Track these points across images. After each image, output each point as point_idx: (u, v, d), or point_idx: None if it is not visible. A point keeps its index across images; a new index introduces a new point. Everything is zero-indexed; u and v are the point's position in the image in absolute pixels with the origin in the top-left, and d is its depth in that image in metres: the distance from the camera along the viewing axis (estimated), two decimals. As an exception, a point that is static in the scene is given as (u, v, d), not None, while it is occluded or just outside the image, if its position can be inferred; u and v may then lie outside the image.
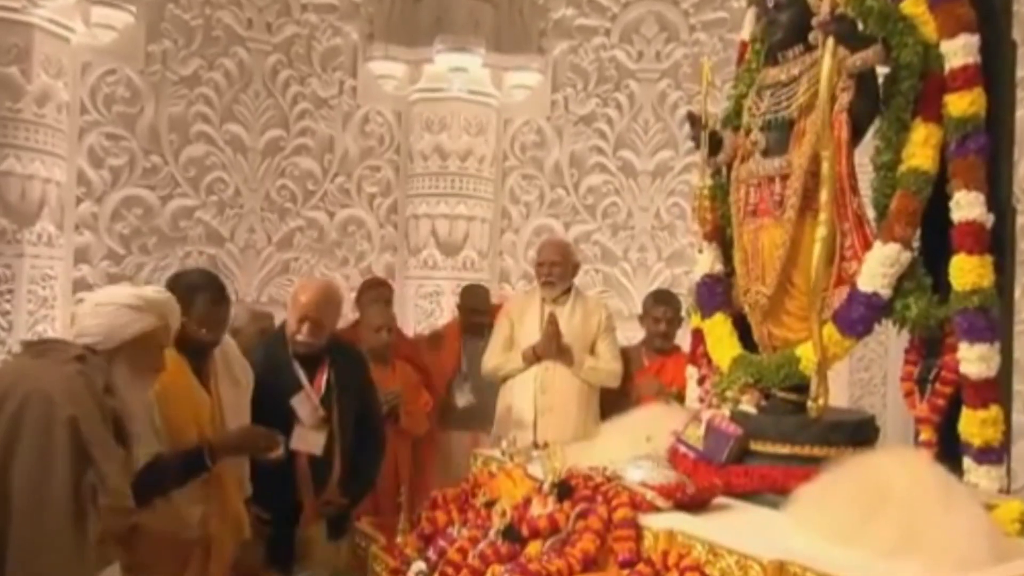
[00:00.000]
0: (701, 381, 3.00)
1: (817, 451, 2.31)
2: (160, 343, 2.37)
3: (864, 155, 2.50)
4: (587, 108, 6.04)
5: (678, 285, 5.34)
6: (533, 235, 6.01)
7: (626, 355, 4.14)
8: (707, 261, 2.90)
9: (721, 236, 2.87)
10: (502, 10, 5.96)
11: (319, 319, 3.15)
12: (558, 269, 4.05)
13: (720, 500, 2.23)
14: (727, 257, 2.82)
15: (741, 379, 2.55)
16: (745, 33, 3.02)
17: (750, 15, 2.97)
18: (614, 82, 6.02)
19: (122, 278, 4.95)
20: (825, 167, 2.25)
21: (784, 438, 2.36)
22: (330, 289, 3.33)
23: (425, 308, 5.83)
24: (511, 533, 2.18)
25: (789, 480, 2.19)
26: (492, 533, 2.23)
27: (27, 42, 4.43)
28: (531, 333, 4.02)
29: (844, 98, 2.34)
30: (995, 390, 2.32)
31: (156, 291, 2.47)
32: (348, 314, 5.64)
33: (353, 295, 4.66)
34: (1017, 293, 2.71)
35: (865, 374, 5.17)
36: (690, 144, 3.26)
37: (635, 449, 2.39)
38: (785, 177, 2.46)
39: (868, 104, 2.39)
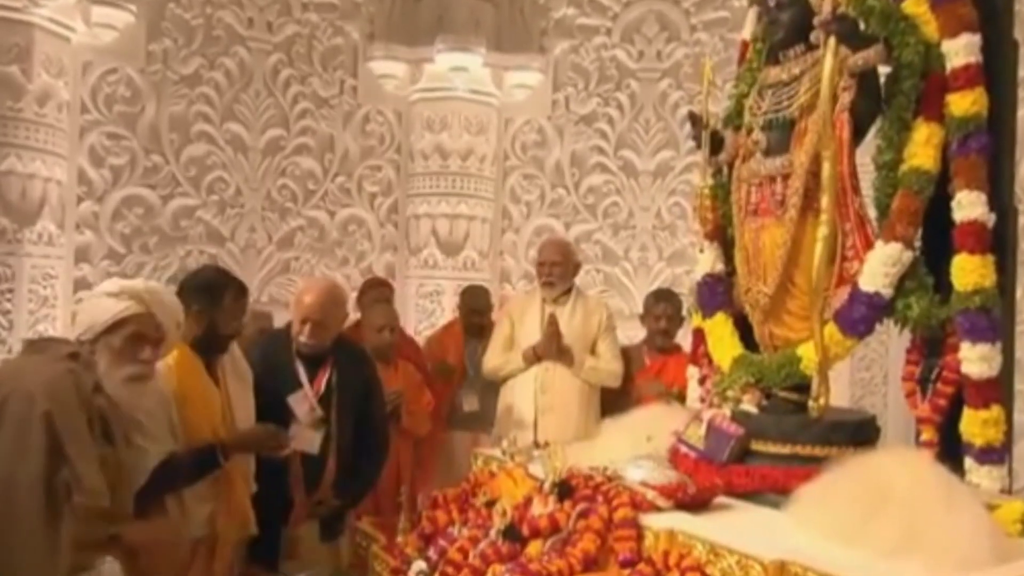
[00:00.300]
0: (702, 381, 3.00)
1: (818, 451, 2.31)
2: (141, 332, 2.28)
3: (866, 155, 2.49)
4: (588, 108, 6.04)
5: (679, 285, 5.34)
6: (534, 235, 6.01)
7: (627, 355, 4.14)
8: (708, 261, 2.90)
9: (722, 236, 2.87)
10: (503, 9, 5.96)
11: (321, 321, 3.15)
12: (559, 269, 4.05)
13: (721, 500, 2.23)
14: (728, 257, 2.82)
15: (742, 379, 2.54)
16: (746, 32, 3.01)
17: (751, 14, 2.97)
18: (615, 82, 6.02)
19: (123, 278, 4.94)
20: (826, 167, 2.25)
21: (785, 438, 2.36)
22: (334, 291, 3.33)
23: (426, 308, 5.83)
24: (512, 533, 2.18)
25: (790, 480, 2.19)
26: (493, 533, 2.22)
27: (28, 41, 4.43)
28: (531, 333, 4.02)
29: (846, 97, 2.34)
30: (997, 390, 2.31)
31: (142, 282, 2.45)
32: (349, 314, 5.70)
33: (354, 295, 4.66)
34: (1019, 293, 2.70)
35: (866, 374, 5.16)
36: (691, 144, 3.26)
37: (636, 449, 2.39)
38: (786, 177, 2.46)
39: (870, 104, 2.39)
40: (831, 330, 2.36)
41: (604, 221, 6.03)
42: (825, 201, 2.26)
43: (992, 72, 2.38)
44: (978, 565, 1.71)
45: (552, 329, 3.91)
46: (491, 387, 4.25)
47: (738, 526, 2.03)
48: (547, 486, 2.26)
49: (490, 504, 2.37)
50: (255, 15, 5.54)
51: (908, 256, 2.32)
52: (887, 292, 2.32)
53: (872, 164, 2.48)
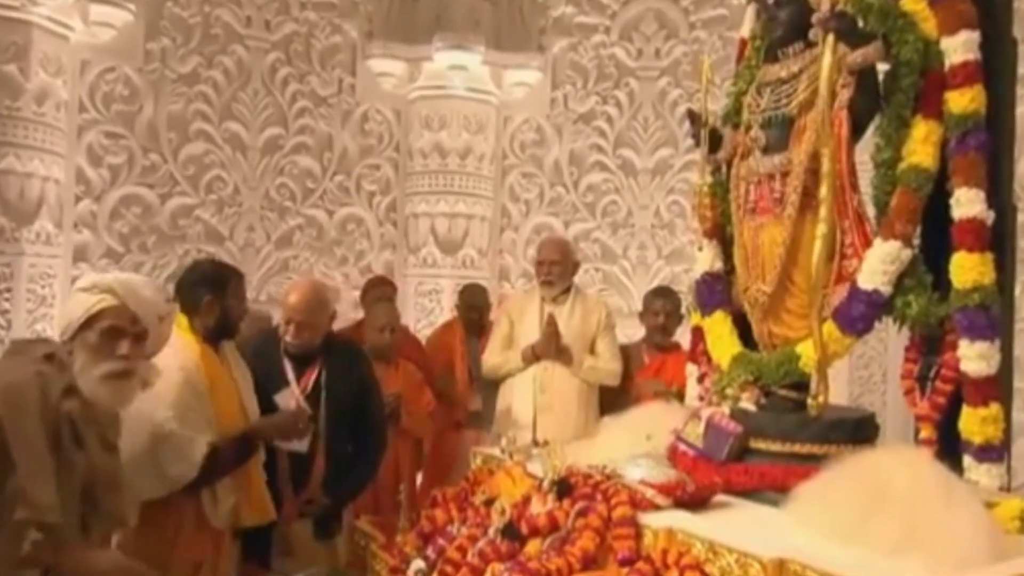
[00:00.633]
0: (701, 379, 2.99)
1: (817, 449, 2.30)
2: (116, 325, 2.18)
3: (864, 152, 2.49)
4: (587, 106, 6.04)
5: (678, 283, 5.34)
6: (533, 233, 6.01)
7: (626, 353, 4.14)
8: (707, 259, 2.90)
9: (721, 234, 2.86)
10: (501, 8, 5.96)
11: (304, 321, 3.16)
12: (557, 268, 4.04)
13: (720, 498, 2.23)
14: (727, 255, 2.82)
15: (741, 377, 2.54)
16: (745, 30, 3.01)
17: (750, 12, 2.96)
18: (614, 80, 6.02)
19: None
20: (825, 164, 2.25)
21: (784, 436, 2.36)
22: (317, 291, 3.30)
23: (425, 306, 5.83)
24: (510, 531, 2.18)
25: (789, 478, 2.19)
26: (491, 531, 2.22)
27: (26, 40, 4.43)
28: (530, 332, 4.02)
29: (844, 95, 2.33)
30: (995, 388, 2.31)
31: (116, 275, 2.38)
32: (348, 313, 5.70)
33: (354, 293, 4.66)
34: (1017, 291, 2.70)
35: (865, 372, 5.17)
36: (690, 142, 3.25)
37: (635, 447, 2.39)
38: (785, 174, 2.45)
39: (868, 101, 2.38)
40: (830, 328, 2.35)
41: (603, 219, 6.03)
42: (824, 199, 2.26)
43: (991, 69, 2.37)
44: (977, 563, 1.71)
45: (551, 329, 3.91)
46: (492, 386, 4.25)
47: (737, 524, 2.03)
48: (546, 484, 2.25)
49: (489, 503, 2.37)
50: (253, 13, 5.53)
51: (907, 254, 2.32)
52: (886, 290, 2.32)
53: (871, 162, 2.48)
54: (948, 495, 1.84)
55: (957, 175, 2.35)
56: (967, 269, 2.31)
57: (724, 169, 2.82)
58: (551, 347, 3.91)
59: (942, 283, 2.36)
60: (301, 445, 3.10)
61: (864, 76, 2.34)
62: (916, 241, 2.38)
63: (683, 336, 3.83)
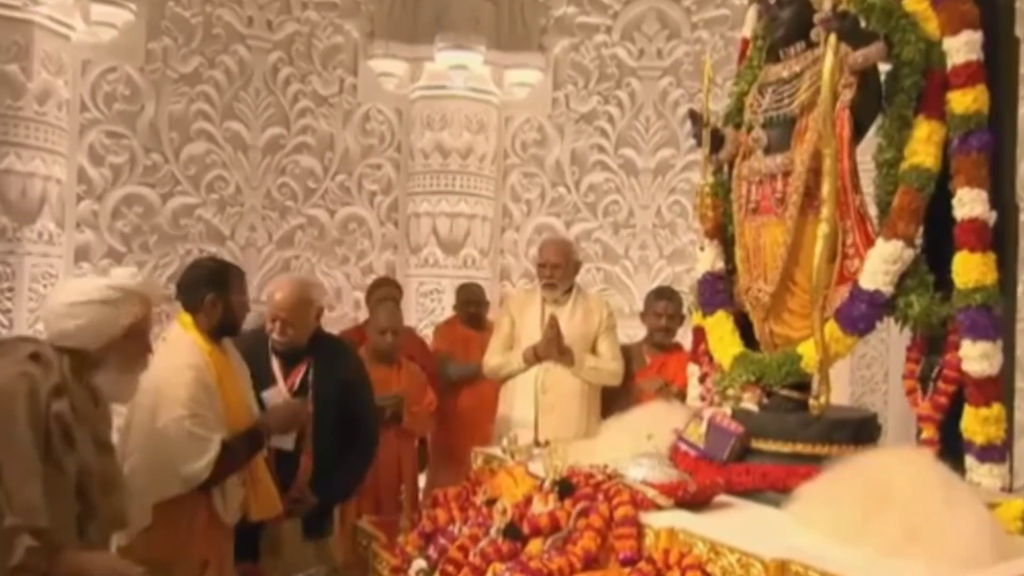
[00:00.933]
0: (703, 379, 2.99)
1: (819, 449, 2.30)
2: (144, 328, 2.28)
3: (866, 152, 2.49)
4: (588, 106, 6.04)
5: (679, 283, 5.34)
6: (534, 233, 6.01)
7: (627, 353, 4.14)
8: (708, 259, 2.89)
9: (722, 234, 2.86)
10: (503, 7, 5.96)
11: (288, 318, 3.16)
12: (559, 271, 4.03)
13: (721, 498, 2.23)
14: (729, 255, 2.82)
15: (743, 377, 2.54)
16: (747, 30, 3.01)
17: (752, 12, 2.96)
18: (615, 80, 6.02)
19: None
20: (827, 164, 2.25)
21: (786, 436, 2.35)
22: (301, 289, 3.28)
23: (426, 306, 5.83)
24: (512, 531, 2.18)
25: (791, 478, 2.18)
26: (493, 531, 2.22)
27: (27, 40, 4.43)
28: (532, 332, 4.02)
29: (846, 95, 2.33)
30: (997, 388, 2.31)
31: (129, 275, 2.42)
32: (350, 313, 5.71)
33: (356, 293, 4.67)
34: (1020, 290, 2.70)
35: (867, 372, 5.16)
36: (691, 142, 3.25)
37: (636, 447, 2.39)
38: (787, 174, 2.45)
39: (870, 101, 2.38)
40: (832, 328, 2.35)
41: (604, 219, 6.03)
42: (826, 199, 2.26)
43: (993, 69, 2.37)
44: (979, 564, 1.71)
45: (553, 332, 3.91)
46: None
47: (739, 524, 2.03)
48: (547, 484, 2.25)
49: (491, 502, 2.37)
50: (255, 13, 5.53)
51: (909, 254, 2.32)
52: (888, 290, 2.32)
53: (873, 162, 2.48)
54: (950, 496, 1.84)
55: (959, 175, 2.35)
56: (969, 269, 2.31)
57: (726, 169, 2.82)
58: (553, 349, 3.91)
59: (944, 283, 2.36)
60: (286, 441, 3.09)
61: (866, 76, 2.34)
62: (918, 241, 2.37)
63: (684, 336, 3.83)
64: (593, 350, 4.03)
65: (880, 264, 2.31)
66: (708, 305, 2.88)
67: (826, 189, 2.25)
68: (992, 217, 2.34)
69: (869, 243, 2.36)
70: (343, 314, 5.73)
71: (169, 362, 2.59)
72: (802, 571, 1.70)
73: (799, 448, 2.33)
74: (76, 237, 4.96)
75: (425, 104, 5.88)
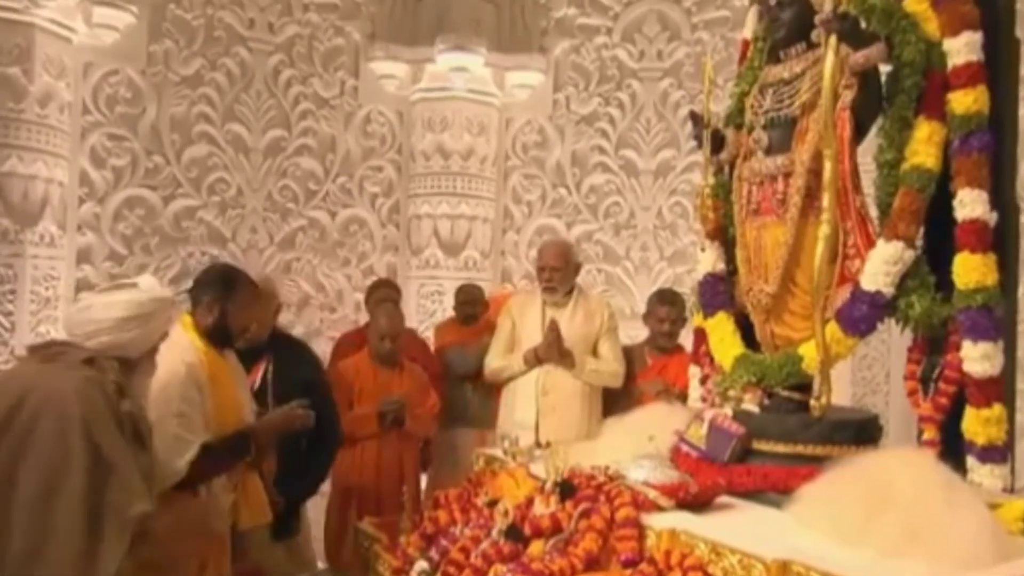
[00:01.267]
0: (704, 380, 3.00)
1: (820, 450, 2.30)
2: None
3: (867, 153, 2.49)
4: (589, 107, 6.04)
5: (680, 284, 5.33)
6: (535, 235, 6.01)
7: (629, 355, 4.14)
8: (709, 260, 2.90)
9: (723, 235, 2.87)
10: (503, 9, 5.96)
11: None
12: (559, 274, 4.03)
13: (723, 499, 2.23)
14: (730, 256, 2.82)
15: (744, 378, 2.54)
16: (747, 31, 3.01)
17: (752, 13, 2.97)
18: (616, 81, 6.01)
19: (124, 279, 4.95)
20: (828, 165, 2.25)
21: (787, 437, 2.36)
22: (260, 285, 3.22)
23: (427, 308, 5.83)
24: (514, 532, 2.18)
25: (792, 479, 2.19)
26: (495, 532, 2.22)
27: (29, 42, 4.43)
28: (532, 334, 4.02)
29: (847, 96, 2.34)
30: (999, 389, 2.31)
31: (158, 283, 2.49)
32: (350, 315, 5.71)
33: (357, 295, 4.67)
34: (1021, 291, 2.70)
35: (868, 373, 5.15)
36: (692, 143, 3.26)
37: (638, 448, 2.39)
38: (788, 175, 2.45)
39: (871, 102, 2.38)
40: (833, 329, 2.35)
41: (605, 221, 6.02)
42: (826, 200, 2.26)
43: (994, 70, 2.38)
44: (980, 564, 1.71)
45: (553, 335, 3.91)
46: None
47: (740, 525, 2.03)
48: (549, 486, 2.26)
49: (492, 504, 2.37)
50: (256, 16, 5.54)
51: (910, 255, 2.32)
52: (889, 291, 2.32)
53: (873, 163, 2.48)
54: (951, 496, 1.84)
55: (960, 176, 2.35)
56: (970, 270, 2.31)
57: (727, 170, 2.82)
58: (553, 352, 3.91)
59: (945, 284, 2.36)
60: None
61: (867, 77, 2.35)
62: (919, 242, 2.38)
63: (686, 338, 3.83)
64: (594, 352, 4.03)
65: (881, 265, 2.31)
66: (709, 306, 2.88)
67: (827, 190, 2.25)
68: (993, 218, 2.34)
69: (870, 244, 2.36)
70: (343, 316, 5.73)
71: (166, 359, 2.59)
72: (803, 572, 1.70)
73: (800, 449, 2.33)
74: (78, 239, 4.96)
75: (426, 106, 5.88)
